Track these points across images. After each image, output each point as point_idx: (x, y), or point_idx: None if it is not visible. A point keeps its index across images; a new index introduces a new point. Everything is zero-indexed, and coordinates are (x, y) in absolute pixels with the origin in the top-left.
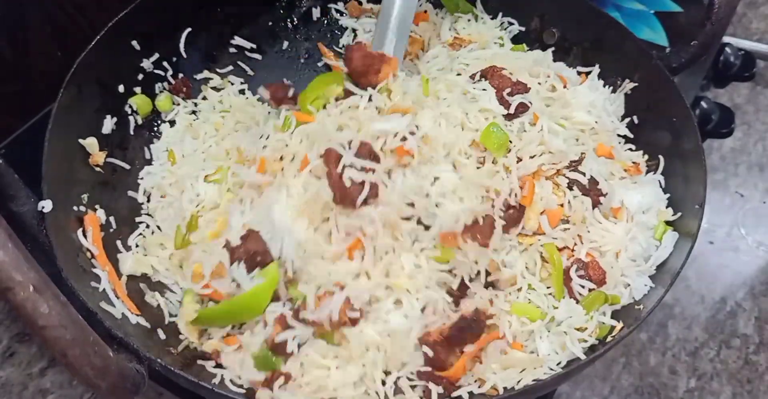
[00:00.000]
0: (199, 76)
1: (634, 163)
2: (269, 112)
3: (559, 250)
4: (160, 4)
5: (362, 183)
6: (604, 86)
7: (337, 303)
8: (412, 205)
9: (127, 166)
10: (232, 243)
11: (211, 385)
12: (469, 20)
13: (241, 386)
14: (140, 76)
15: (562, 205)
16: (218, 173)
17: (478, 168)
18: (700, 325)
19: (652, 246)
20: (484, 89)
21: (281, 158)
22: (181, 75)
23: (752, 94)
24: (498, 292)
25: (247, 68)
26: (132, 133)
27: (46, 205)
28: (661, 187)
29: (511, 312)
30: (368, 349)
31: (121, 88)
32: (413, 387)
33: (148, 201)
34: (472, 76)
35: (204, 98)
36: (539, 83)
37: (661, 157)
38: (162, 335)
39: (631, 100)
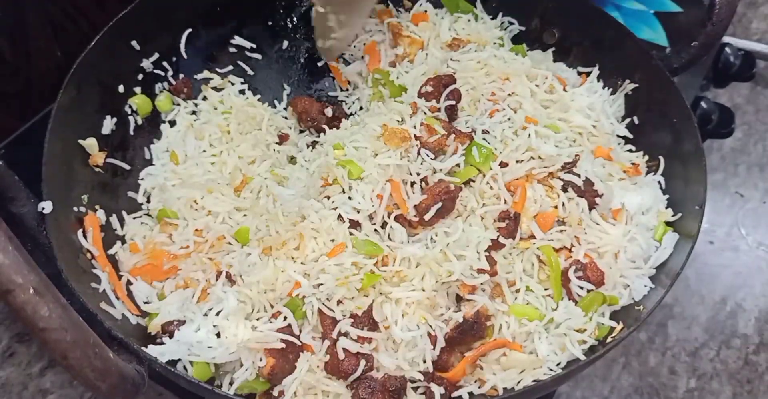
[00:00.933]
0: (199, 76)
1: (633, 164)
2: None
3: (557, 251)
4: (160, 4)
5: (357, 354)
6: (604, 87)
7: None
8: None
9: (127, 167)
10: None
11: (212, 385)
12: (469, 20)
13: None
14: (140, 76)
15: (556, 208)
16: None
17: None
18: (700, 326)
19: (652, 247)
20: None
21: None
22: (181, 75)
23: (752, 94)
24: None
25: (247, 68)
26: (132, 133)
27: (46, 207)
28: (661, 187)
29: (509, 313)
30: None
31: (121, 88)
32: (415, 388)
33: (148, 201)
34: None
35: (204, 98)
36: (537, 86)
37: (661, 158)
38: None
39: (631, 101)
